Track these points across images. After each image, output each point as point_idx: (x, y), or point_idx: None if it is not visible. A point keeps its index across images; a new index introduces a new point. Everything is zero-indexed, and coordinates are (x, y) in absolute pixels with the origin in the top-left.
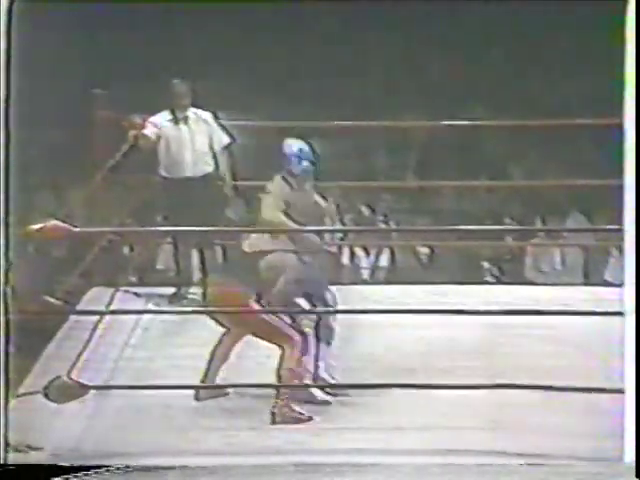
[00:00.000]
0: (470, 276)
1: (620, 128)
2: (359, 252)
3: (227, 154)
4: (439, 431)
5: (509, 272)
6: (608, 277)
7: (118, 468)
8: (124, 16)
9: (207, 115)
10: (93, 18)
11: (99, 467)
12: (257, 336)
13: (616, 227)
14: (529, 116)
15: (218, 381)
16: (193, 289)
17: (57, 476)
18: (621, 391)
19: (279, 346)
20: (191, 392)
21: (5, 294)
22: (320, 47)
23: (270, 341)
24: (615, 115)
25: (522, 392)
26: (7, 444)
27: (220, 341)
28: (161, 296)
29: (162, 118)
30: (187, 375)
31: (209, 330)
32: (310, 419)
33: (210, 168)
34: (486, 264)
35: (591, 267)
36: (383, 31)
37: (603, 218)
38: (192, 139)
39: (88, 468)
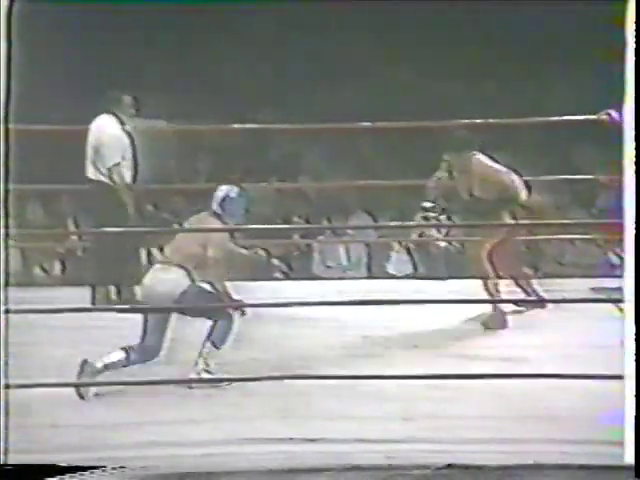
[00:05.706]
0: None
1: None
2: None
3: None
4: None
5: (297, 268)
6: (391, 270)
7: (114, 468)
8: (124, 16)
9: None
10: (93, 18)
11: (96, 467)
12: None
13: (616, 221)
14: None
15: None
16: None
17: (55, 476)
18: (621, 377)
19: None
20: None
21: (5, 294)
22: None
23: None
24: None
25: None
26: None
27: None
28: None
29: (111, 123)
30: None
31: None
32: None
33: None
34: (276, 261)
35: (375, 262)
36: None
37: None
38: (131, 146)
39: (86, 468)
